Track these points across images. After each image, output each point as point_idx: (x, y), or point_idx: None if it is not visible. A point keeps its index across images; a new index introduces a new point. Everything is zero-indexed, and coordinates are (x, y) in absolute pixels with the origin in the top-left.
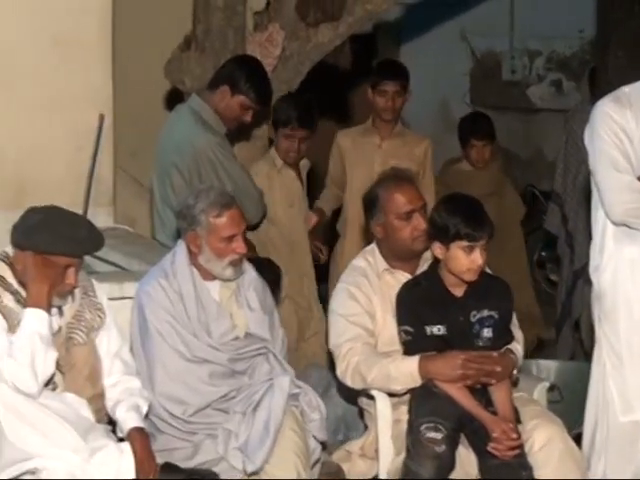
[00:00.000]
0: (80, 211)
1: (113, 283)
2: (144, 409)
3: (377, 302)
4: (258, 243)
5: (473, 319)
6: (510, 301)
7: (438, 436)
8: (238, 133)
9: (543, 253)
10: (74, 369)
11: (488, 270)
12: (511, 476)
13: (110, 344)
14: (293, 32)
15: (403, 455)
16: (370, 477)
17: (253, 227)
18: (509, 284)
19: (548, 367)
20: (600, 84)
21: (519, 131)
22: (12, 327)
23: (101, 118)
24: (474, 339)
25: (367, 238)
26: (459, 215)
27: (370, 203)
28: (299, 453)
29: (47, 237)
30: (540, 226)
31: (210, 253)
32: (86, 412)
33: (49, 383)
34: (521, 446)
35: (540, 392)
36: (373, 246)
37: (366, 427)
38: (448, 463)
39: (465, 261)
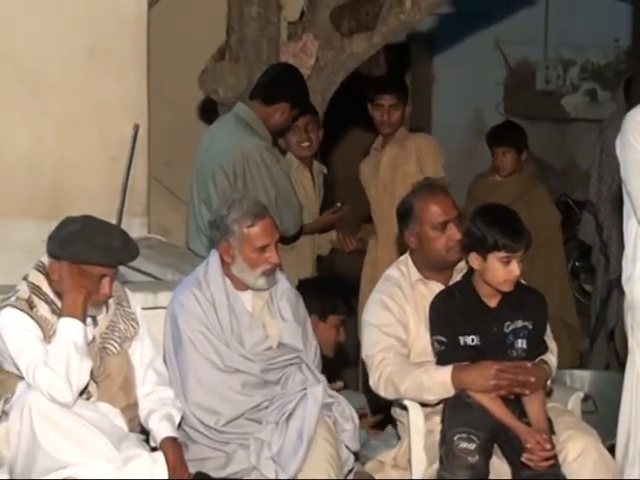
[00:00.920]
0: (114, 221)
1: (147, 293)
2: (177, 419)
3: (410, 312)
4: None
5: (507, 330)
6: (545, 312)
7: (471, 446)
8: None
9: (577, 263)
10: (108, 379)
11: (522, 280)
12: None
13: (143, 354)
14: (327, 42)
15: (436, 465)
16: None
17: (291, 239)
18: (544, 295)
19: (582, 377)
20: (636, 93)
21: (553, 141)
22: (47, 337)
23: (136, 128)
24: (508, 350)
25: (400, 248)
26: (497, 226)
27: (404, 213)
28: (332, 463)
29: (82, 247)
30: (574, 236)
31: (243, 263)
32: (120, 421)
33: (83, 392)
34: (555, 457)
35: (574, 402)
36: (406, 256)
37: (399, 437)
38: (482, 474)
39: (502, 272)
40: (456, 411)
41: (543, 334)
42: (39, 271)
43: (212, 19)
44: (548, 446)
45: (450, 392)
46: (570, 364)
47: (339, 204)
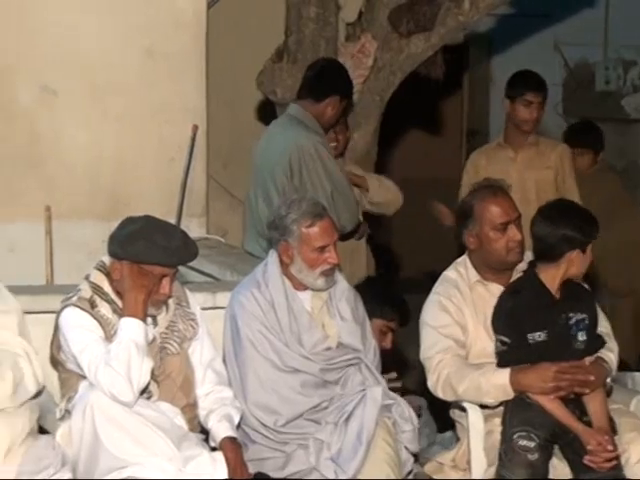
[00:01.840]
0: (173, 222)
1: (206, 293)
2: (236, 419)
3: (468, 313)
4: None
5: (571, 322)
6: (595, 305)
7: (531, 444)
8: None
9: None
10: (168, 378)
11: None
12: None
13: (203, 354)
14: (385, 43)
15: (495, 467)
16: None
17: (347, 236)
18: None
19: None
20: None
21: (613, 142)
22: (109, 336)
23: (194, 129)
24: (572, 342)
25: None
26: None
27: (464, 214)
28: (391, 464)
29: (143, 247)
30: None
31: (302, 263)
32: (180, 421)
33: (144, 392)
34: (617, 458)
35: (637, 405)
36: (465, 257)
37: (457, 439)
38: (541, 472)
39: (584, 263)
40: (516, 411)
41: (596, 328)
42: (100, 271)
43: (270, 20)
44: (610, 447)
45: (509, 395)
46: None
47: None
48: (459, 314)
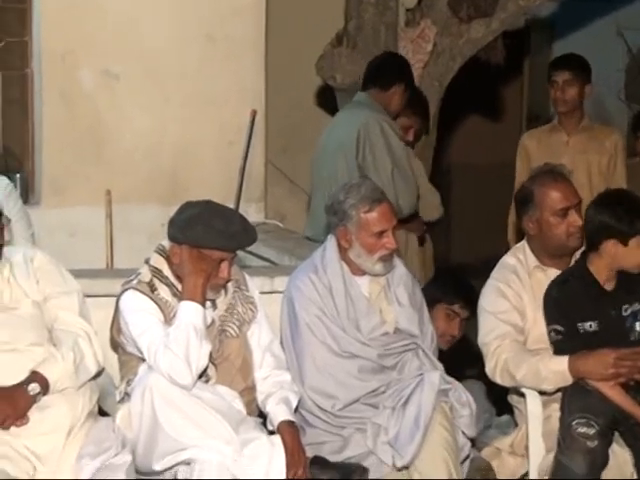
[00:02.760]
0: (232, 206)
1: (264, 277)
2: (294, 403)
3: (527, 299)
4: None
5: (625, 313)
6: None
7: (590, 431)
8: None
9: None
10: (227, 362)
11: None
12: None
13: (261, 338)
14: (445, 28)
15: (554, 453)
16: (520, 475)
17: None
18: None
19: None
20: None
21: None
22: (168, 319)
23: (253, 114)
24: (628, 333)
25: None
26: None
27: (524, 199)
28: (449, 449)
29: (202, 231)
30: None
31: (360, 248)
32: (238, 404)
33: (203, 375)
34: None
35: None
36: (523, 243)
37: (516, 424)
38: (601, 459)
39: (629, 256)
40: (575, 397)
41: None
42: (160, 255)
43: (330, 5)
44: None
45: (568, 381)
46: None
47: None
48: (517, 300)
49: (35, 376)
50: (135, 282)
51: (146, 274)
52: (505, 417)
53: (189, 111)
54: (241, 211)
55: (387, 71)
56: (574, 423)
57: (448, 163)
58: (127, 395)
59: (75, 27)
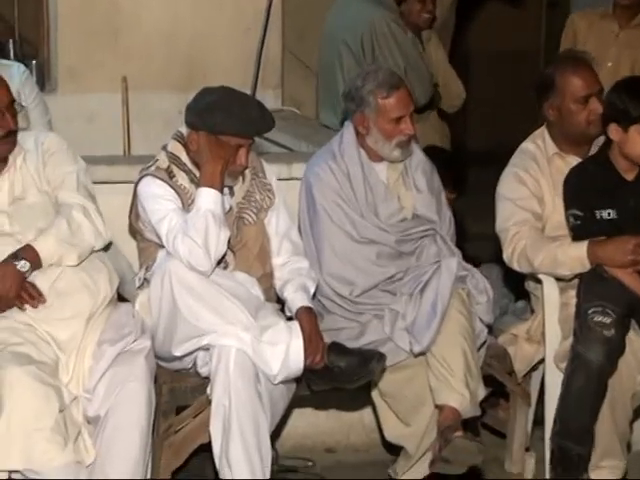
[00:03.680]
0: (249, 93)
1: (282, 164)
2: (312, 289)
3: (546, 186)
4: None
5: None
6: None
7: (607, 320)
8: None
9: None
10: (244, 248)
11: None
12: None
13: (279, 224)
14: None
15: (570, 339)
16: (536, 361)
17: (419, 110)
18: None
19: None
20: None
21: None
22: (186, 206)
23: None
24: None
25: None
26: (628, 93)
27: (545, 85)
28: (466, 335)
29: (220, 117)
30: None
31: (378, 134)
32: (256, 291)
33: (221, 262)
34: None
35: None
36: (543, 129)
37: (532, 311)
38: (617, 348)
39: (628, 144)
40: (592, 285)
41: None
42: (178, 141)
43: None
44: None
45: (585, 267)
46: None
47: None
48: (536, 186)
49: (25, 252)
50: (153, 168)
51: (164, 160)
52: (521, 303)
53: None
54: (258, 98)
55: None
56: (590, 311)
57: (466, 49)
58: (146, 281)
59: None
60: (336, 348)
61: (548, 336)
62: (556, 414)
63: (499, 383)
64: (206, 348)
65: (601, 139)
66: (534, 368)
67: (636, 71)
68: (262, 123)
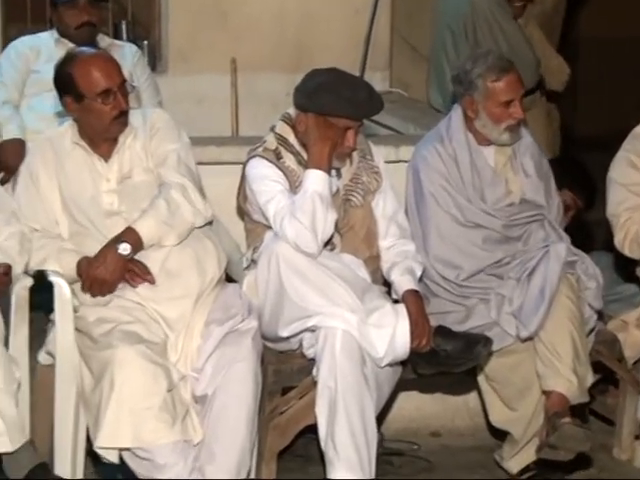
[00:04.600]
0: (357, 74)
1: (389, 147)
2: (418, 272)
3: None
4: None
5: None
6: None
7: None
8: None
9: None
10: (351, 230)
11: None
12: None
13: (386, 207)
14: None
15: None
16: None
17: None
18: None
19: None
20: None
21: None
22: (293, 187)
23: None
24: None
25: None
26: None
27: None
28: (574, 321)
29: (329, 99)
30: None
31: (487, 118)
32: (363, 273)
33: (328, 244)
34: None
35: None
36: None
37: None
38: None
39: None
40: None
41: None
42: (286, 122)
43: None
44: None
45: None
46: None
47: None
48: None
49: (127, 235)
50: (261, 150)
51: (272, 142)
52: (633, 289)
53: None
54: (366, 80)
55: None
56: None
57: (577, 36)
58: (253, 262)
59: None
60: (442, 332)
61: None
62: None
63: (608, 369)
64: (312, 330)
65: None
66: None
67: None
68: (370, 105)
